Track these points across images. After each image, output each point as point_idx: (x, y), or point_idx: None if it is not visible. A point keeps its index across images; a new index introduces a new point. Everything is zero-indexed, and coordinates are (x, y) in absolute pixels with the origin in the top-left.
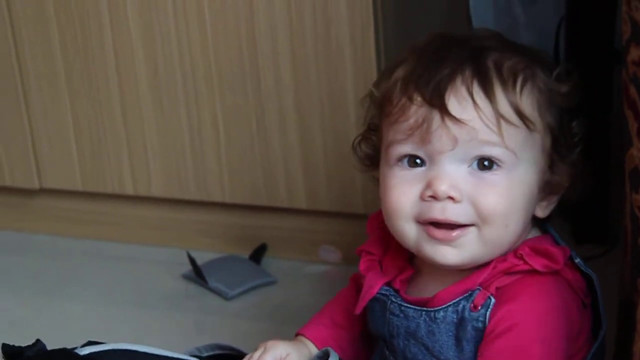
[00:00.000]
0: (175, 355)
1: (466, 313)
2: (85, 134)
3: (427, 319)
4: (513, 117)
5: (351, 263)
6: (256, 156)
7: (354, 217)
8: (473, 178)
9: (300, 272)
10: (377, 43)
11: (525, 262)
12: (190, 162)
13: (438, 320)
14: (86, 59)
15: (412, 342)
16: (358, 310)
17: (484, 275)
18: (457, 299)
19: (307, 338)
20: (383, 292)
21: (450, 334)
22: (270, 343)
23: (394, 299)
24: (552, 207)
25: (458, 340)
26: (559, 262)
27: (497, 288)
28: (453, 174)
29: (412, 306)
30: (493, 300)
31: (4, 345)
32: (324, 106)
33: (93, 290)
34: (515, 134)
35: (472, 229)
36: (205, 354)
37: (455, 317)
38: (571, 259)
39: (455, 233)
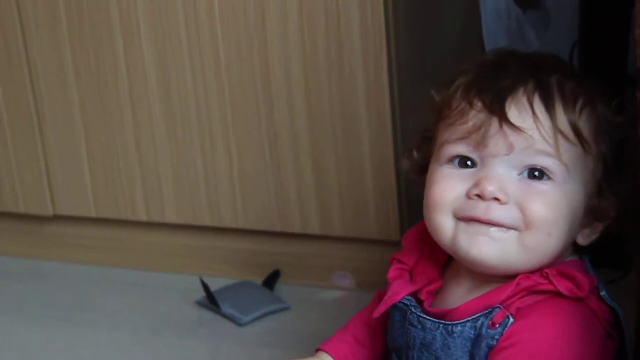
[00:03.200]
0: None
1: (484, 330)
2: (98, 161)
3: (445, 333)
4: (571, 135)
5: (365, 289)
6: (269, 182)
7: (367, 242)
8: (522, 184)
9: (314, 298)
10: (390, 69)
11: (550, 282)
12: (204, 189)
13: (455, 335)
14: (100, 87)
15: (425, 354)
16: (377, 314)
17: (507, 292)
18: (477, 315)
19: (328, 354)
20: (405, 302)
21: (466, 349)
22: None
23: (414, 310)
24: (594, 236)
25: (472, 357)
26: (584, 290)
27: (518, 308)
28: (503, 177)
29: (430, 318)
30: (512, 320)
31: None
32: (337, 132)
33: (106, 317)
34: (571, 150)
35: (512, 231)
36: None
37: (473, 333)
38: (599, 290)
39: (493, 229)
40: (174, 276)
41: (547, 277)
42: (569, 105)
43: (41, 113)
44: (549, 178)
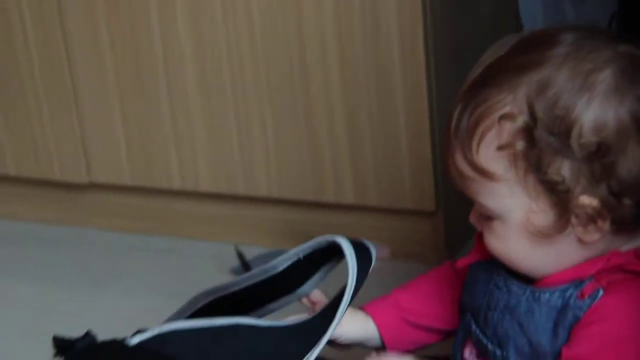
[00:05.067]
0: (223, 321)
1: (572, 300)
2: (133, 130)
3: (531, 298)
4: (474, 174)
5: (399, 259)
6: (304, 152)
7: (402, 212)
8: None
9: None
10: (425, 41)
11: None
12: (238, 158)
13: (541, 302)
14: (135, 56)
15: (507, 317)
16: (460, 263)
17: (597, 266)
18: (566, 285)
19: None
20: (492, 262)
21: (550, 317)
22: None
23: (502, 271)
24: (602, 229)
25: (556, 325)
26: None
27: (609, 282)
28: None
29: (517, 282)
30: (602, 292)
31: (55, 337)
32: (372, 103)
33: (141, 284)
34: (488, 186)
35: None
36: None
37: (560, 302)
38: None
39: None
40: (208, 244)
41: (639, 257)
42: (465, 141)
43: (76, 81)
44: (491, 217)
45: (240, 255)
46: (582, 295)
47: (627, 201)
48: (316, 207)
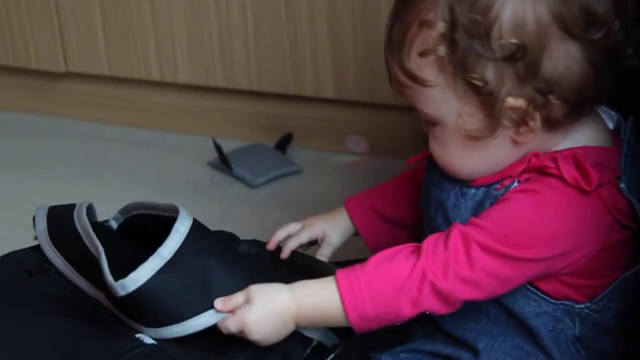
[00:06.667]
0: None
1: (491, 191)
2: (112, 18)
3: (459, 193)
4: (408, 81)
5: (378, 154)
6: (284, 44)
7: (382, 107)
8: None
9: (326, 162)
10: None
11: (557, 168)
12: (218, 49)
13: (467, 197)
14: None
15: (440, 212)
16: (410, 161)
17: (520, 167)
18: (491, 183)
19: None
20: (431, 160)
21: (473, 210)
22: (308, 221)
23: (437, 169)
24: (534, 129)
25: (475, 215)
26: (590, 183)
27: (526, 179)
28: None
29: (448, 177)
30: (517, 183)
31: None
32: None
33: (118, 175)
34: (423, 92)
35: None
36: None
37: (482, 195)
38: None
39: None
40: (186, 136)
41: (555, 162)
42: (398, 50)
43: None
44: (433, 123)
45: (218, 148)
46: (500, 187)
47: (554, 99)
48: (296, 101)
